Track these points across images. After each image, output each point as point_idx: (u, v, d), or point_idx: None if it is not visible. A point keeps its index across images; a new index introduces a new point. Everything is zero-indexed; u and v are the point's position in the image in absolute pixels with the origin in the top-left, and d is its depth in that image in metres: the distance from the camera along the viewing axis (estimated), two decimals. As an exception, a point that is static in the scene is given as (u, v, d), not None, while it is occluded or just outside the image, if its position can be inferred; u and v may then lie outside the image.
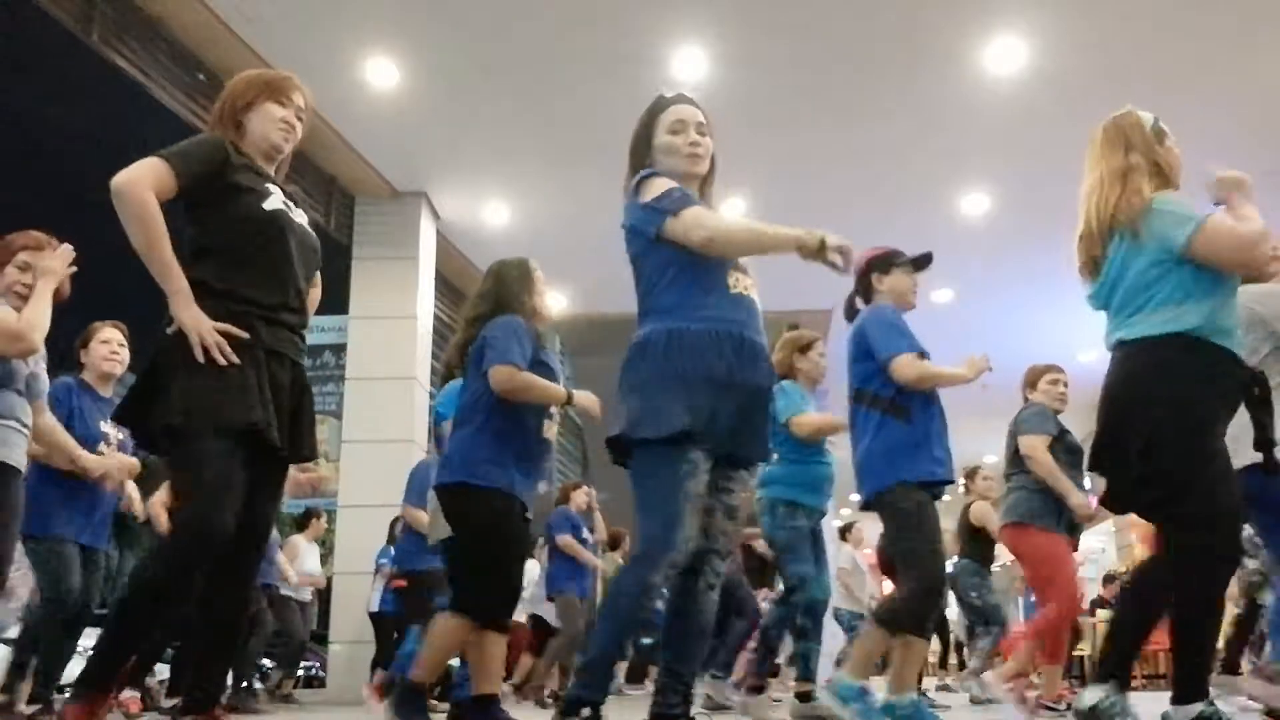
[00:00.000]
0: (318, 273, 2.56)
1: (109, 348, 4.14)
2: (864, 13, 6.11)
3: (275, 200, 2.37)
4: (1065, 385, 4.93)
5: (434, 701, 5.55)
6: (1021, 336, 9.22)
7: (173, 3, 6.05)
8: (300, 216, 2.45)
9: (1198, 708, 2.47)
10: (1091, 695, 2.55)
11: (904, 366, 3.29)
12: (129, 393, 2.31)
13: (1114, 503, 2.73)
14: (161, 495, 5.32)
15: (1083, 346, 8.58)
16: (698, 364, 2.28)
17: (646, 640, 10.18)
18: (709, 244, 2.30)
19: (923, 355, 3.35)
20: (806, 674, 4.49)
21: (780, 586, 4.88)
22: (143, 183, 2.21)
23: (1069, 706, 4.63)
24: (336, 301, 8.69)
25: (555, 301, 10.06)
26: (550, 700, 7.04)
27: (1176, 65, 6.45)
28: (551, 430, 3.36)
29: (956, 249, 8.53)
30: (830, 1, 6.04)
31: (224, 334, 2.21)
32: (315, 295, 2.59)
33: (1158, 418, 2.52)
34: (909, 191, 7.78)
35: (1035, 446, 4.57)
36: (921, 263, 3.60)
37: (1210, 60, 6.46)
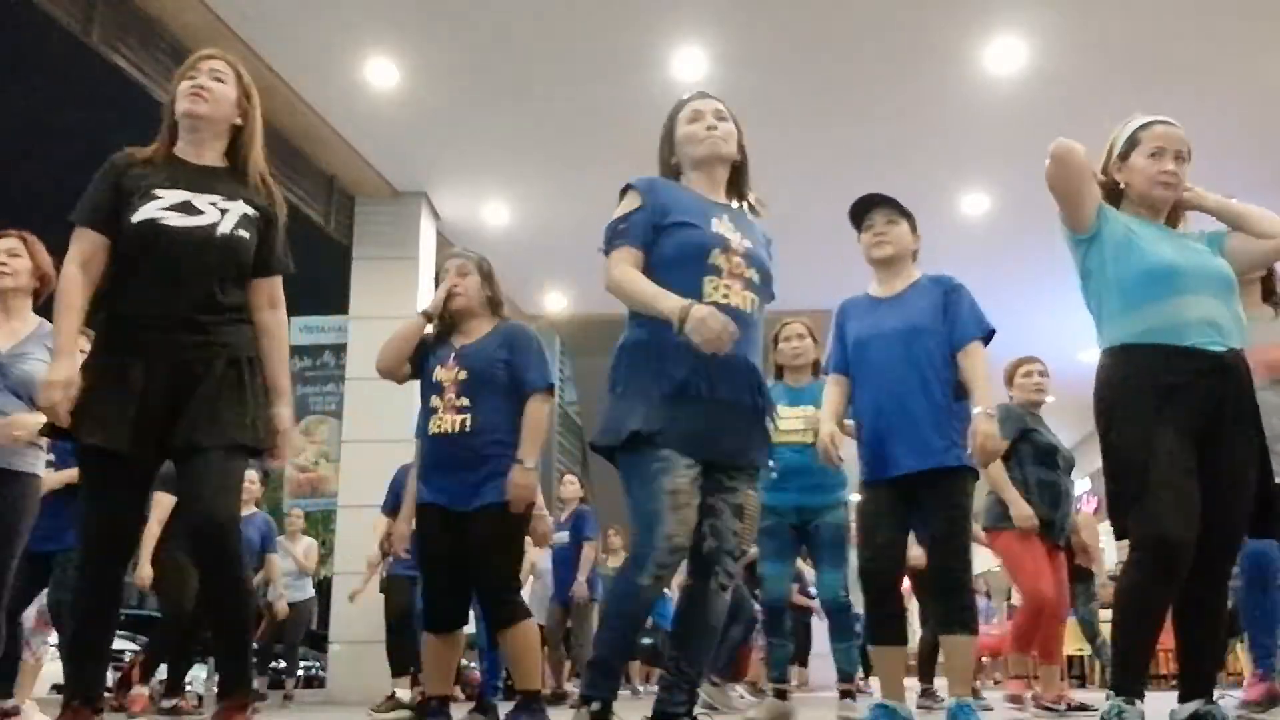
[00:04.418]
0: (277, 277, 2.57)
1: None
2: (864, 13, 6.11)
3: (153, 207, 2.37)
4: (1041, 375, 4.82)
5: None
6: (1021, 336, 9.20)
7: (172, 3, 6.04)
8: (207, 215, 2.41)
9: (1194, 705, 2.48)
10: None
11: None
12: None
13: None
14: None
15: (1083, 346, 8.57)
16: (657, 374, 2.31)
17: (647, 640, 10.20)
18: (609, 288, 2.40)
19: (844, 372, 3.36)
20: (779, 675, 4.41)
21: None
22: (68, 261, 2.38)
23: (1069, 707, 4.63)
24: (336, 301, 8.70)
25: (555, 301, 10.08)
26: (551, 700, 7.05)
27: (1177, 65, 6.44)
28: (445, 422, 3.36)
29: (956, 249, 8.54)
30: (830, 2, 6.04)
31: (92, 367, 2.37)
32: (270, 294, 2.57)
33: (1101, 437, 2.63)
34: (909, 191, 7.64)
35: None
36: (854, 212, 3.51)
37: (1210, 60, 6.46)
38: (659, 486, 2.25)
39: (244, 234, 2.44)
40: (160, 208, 2.38)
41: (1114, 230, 2.65)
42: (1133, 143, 2.71)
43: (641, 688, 9.48)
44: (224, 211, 2.43)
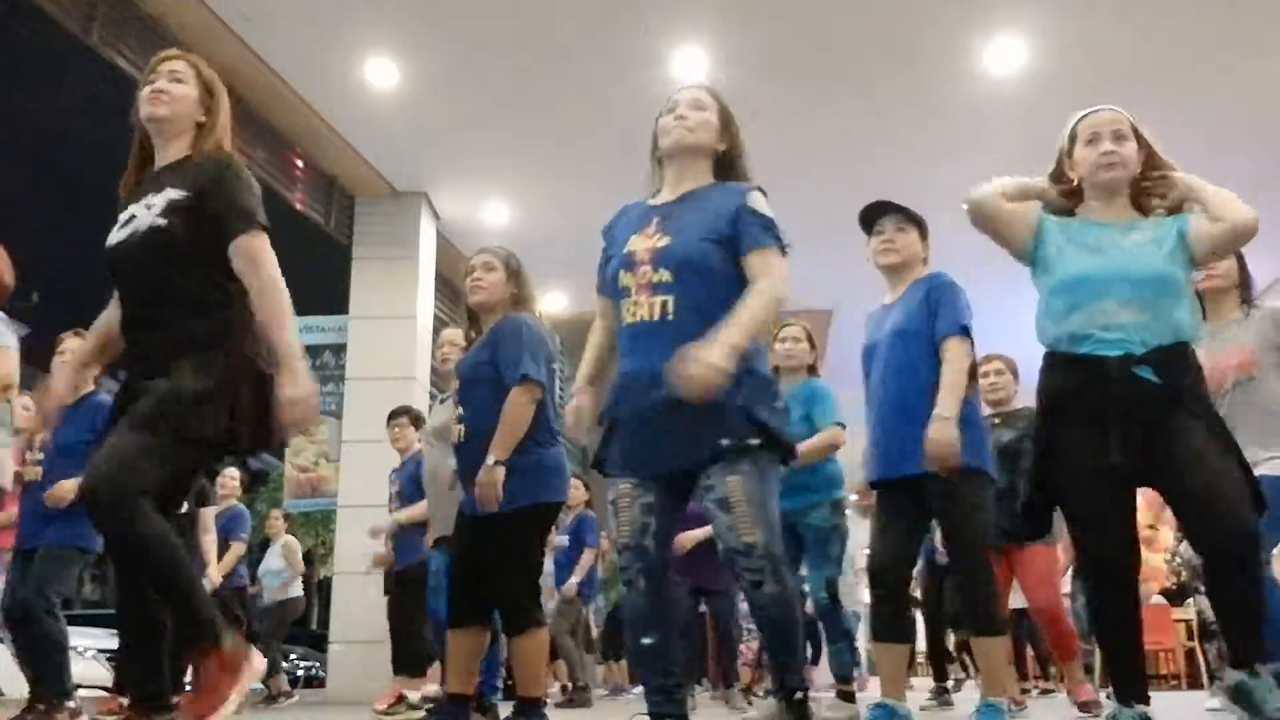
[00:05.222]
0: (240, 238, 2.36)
1: (62, 358, 4.27)
2: (864, 12, 6.12)
3: (111, 232, 2.45)
4: (998, 374, 4.77)
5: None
6: (1021, 336, 9.21)
7: (173, 3, 6.05)
8: (137, 219, 2.40)
9: (1239, 676, 2.44)
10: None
11: None
12: None
13: None
14: None
15: (1083, 346, 8.58)
16: (606, 406, 2.46)
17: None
18: None
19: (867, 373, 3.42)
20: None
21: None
22: None
23: (1080, 704, 4.58)
24: (336, 301, 8.70)
25: (555, 301, 10.08)
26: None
27: (1177, 65, 6.44)
28: (453, 433, 3.43)
29: (957, 249, 8.53)
30: (830, 2, 6.04)
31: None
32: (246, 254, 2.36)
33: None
34: (908, 191, 7.75)
35: None
36: (865, 217, 3.56)
37: (1210, 60, 6.46)
38: (609, 499, 2.44)
39: (162, 221, 2.35)
40: (114, 230, 2.46)
41: (1047, 248, 2.70)
42: (1072, 138, 2.76)
43: (638, 690, 9.49)
44: (149, 208, 2.39)
